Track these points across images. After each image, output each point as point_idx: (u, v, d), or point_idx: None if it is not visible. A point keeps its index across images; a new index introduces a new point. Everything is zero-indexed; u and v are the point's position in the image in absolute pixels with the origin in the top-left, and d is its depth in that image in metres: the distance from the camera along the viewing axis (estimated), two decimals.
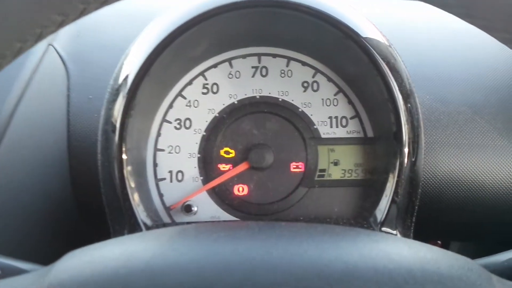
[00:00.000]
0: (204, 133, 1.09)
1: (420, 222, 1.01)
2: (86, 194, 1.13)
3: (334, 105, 1.10)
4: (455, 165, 1.11)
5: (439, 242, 1.56)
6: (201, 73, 1.10)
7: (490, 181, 1.11)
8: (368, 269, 0.50)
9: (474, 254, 1.47)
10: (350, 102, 1.09)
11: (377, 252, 0.53)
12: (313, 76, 1.10)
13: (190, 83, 1.10)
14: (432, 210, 1.14)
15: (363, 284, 0.48)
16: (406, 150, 0.96)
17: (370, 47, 0.97)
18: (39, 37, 0.58)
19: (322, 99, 1.10)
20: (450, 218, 1.16)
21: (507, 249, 0.72)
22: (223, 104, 1.09)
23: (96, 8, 0.58)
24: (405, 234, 0.98)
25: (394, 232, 0.97)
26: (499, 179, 1.11)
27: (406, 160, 0.96)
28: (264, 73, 1.11)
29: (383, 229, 0.96)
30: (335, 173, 1.08)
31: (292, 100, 1.10)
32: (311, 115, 1.09)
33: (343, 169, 1.08)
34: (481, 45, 1.25)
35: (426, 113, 1.12)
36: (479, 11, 0.58)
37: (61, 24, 0.57)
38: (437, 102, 1.14)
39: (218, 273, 0.49)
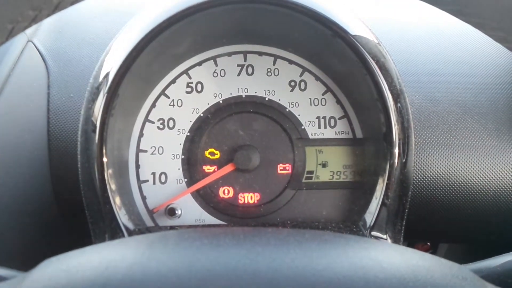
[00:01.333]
0: (188, 134, 1.06)
1: (409, 223, 0.99)
2: (67, 195, 1.11)
3: (322, 105, 1.08)
4: (445, 166, 1.10)
5: (428, 243, 1.56)
6: (185, 71, 1.08)
7: (481, 182, 1.10)
8: (359, 279, 0.48)
9: (463, 255, 1.47)
10: (338, 102, 1.08)
11: (367, 261, 0.51)
12: (301, 75, 1.08)
13: (173, 81, 1.07)
14: (421, 212, 1.12)
15: None
16: (396, 151, 0.95)
17: (359, 45, 0.95)
18: (11, 33, 0.55)
19: (310, 98, 1.08)
20: (439, 219, 1.15)
21: (496, 251, 0.70)
22: (208, 104, 1.07)
23: (72, 2, 0.55)
24: (395, 239, 0.96)
25: (384, 236, 0.95)
26: (489, 180, 1.10)
27: (396, 161, 0.95)
28: (250, 72, 1.08)
29: (373, 233, 0.95)
30: (323, 175, 1.06)
31: (279, 100, 1.07)
32: (299, 115, 1.07)
33: (331, 171, 1.06)
34: (471, 44, 1.24)
35: (415, 112, 1.11)
36: (473, 9, 0.56)
37: (34, 20, 0.54)
38: (426, 101, 1.13)
39: (200, 284, 0.47)
